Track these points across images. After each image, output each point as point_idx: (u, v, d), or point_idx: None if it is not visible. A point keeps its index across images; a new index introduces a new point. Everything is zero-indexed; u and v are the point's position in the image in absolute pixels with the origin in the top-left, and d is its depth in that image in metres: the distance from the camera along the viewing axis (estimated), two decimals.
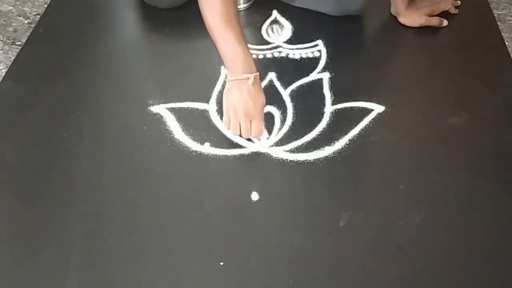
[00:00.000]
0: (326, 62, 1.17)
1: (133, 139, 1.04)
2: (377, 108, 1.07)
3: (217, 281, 0.83)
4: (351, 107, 1.08)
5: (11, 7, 1.45)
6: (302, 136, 1.02)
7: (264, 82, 1.12)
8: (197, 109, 1.08)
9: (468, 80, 1.15)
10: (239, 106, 1.00)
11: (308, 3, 1.29)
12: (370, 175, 0.98)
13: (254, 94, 1.00)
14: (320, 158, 0.99)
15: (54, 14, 1.33)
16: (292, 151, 1.00)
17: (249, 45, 1.20)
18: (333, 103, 1.08)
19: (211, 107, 1.08)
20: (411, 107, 1.09)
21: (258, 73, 1.02)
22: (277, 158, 0.99)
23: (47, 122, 1.06)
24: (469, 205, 0.92)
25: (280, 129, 1.04)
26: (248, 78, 0.99)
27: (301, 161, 0.99)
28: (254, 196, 0.93)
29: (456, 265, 0.84)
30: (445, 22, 1.26)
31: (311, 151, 1.00)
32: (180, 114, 1.07)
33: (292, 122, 1.05)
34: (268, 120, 1.05)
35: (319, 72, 1.15)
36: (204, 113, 1.07)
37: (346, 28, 1.26)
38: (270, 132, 1.03)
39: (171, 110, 1.07)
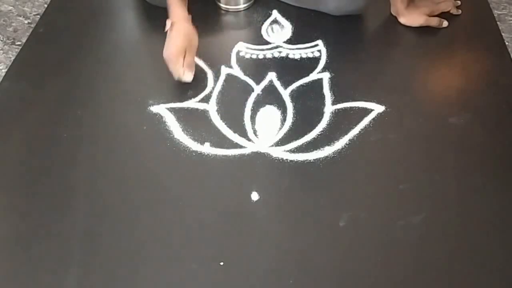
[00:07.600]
0: (326, 62, 1.17)
1: (133, 139, 1.04)
2: (377, 108, 1.07)
3: (217, 281, 0.83)
4: (351, 107, 1.08)
5: (11, 7, 1.45)
6: (302, 136, 1.02)
7: (264, 82, 1.12)
8: (197, 109, 1.08)
9: (468, 80, 1.15)
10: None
11: (308, 2, 1.29)
12: (370, 175, 0.98)
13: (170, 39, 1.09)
14: (320, 158, 0.99)
15: (54, 14, 1.32)
16: (292, 151, 1.00)
17: (249, 45, 1.21)
18: (333, 103, 1.08)
19: (211, 107, 1.08)
20: (411, 107, 1.09)
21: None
22: (277, 158, 0.99)
23: (47, 122, 1.06)
24: (469, 205, 0.92)
25: (280, 129, 1.04)
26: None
27: (301, 161, 0.99)
28: (254, 196, 0.93)
29: (456, 265, 0.84)
30: (445, 23, 1.25)
31: (311, 151, 1.00)
32: (180, 114, 1.07)
33: (292, 122, 1.05)
34: (269, 120, 1.05)
35: (319, 72, 1.15)
36: (204, 113, 1.07)
37: (346, 28, 1.26)
38: (271, 132, 1.03)
39: (171, 110, 1.07)
